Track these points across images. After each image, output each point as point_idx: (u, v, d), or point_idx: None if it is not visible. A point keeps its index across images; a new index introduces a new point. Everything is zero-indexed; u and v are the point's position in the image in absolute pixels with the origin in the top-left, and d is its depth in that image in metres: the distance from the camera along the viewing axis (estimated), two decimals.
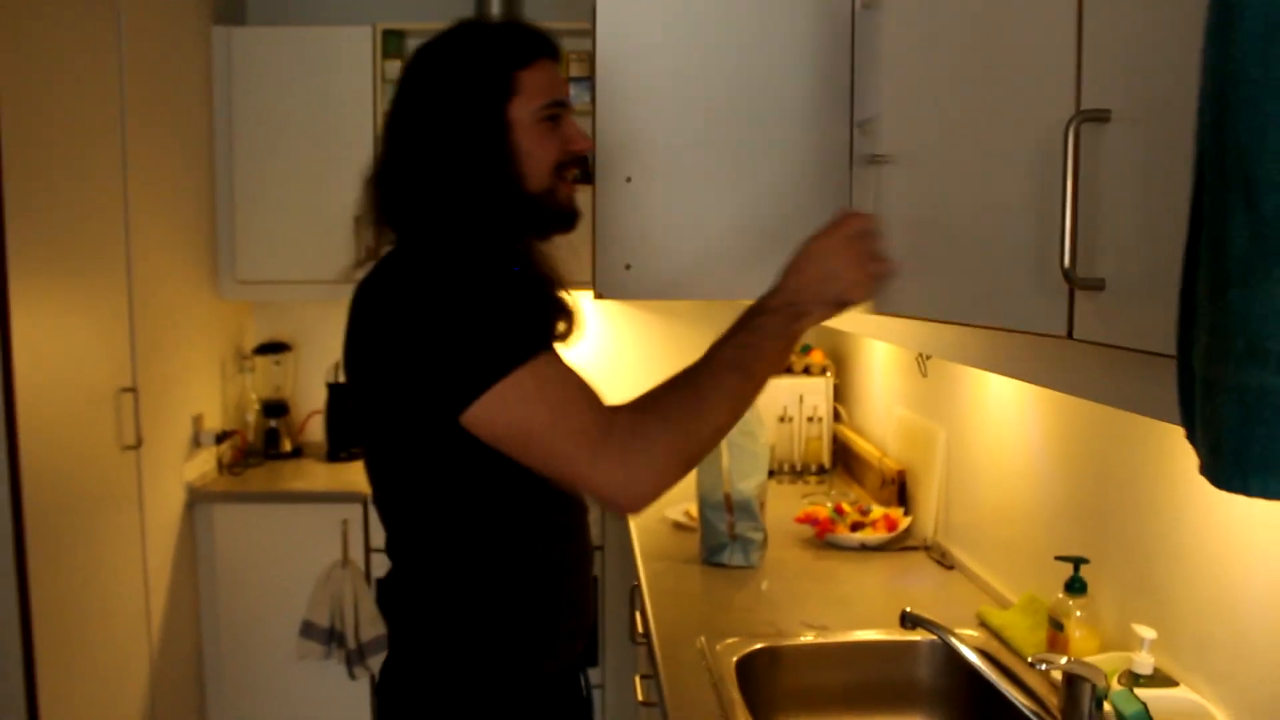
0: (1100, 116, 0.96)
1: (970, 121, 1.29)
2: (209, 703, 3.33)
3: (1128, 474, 1.67)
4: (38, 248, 2.39)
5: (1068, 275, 0.99)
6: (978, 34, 1.27)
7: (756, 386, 1.36)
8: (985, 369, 1.37)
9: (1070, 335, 1.05)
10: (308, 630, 3.21)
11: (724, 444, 2.31)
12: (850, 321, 1.94)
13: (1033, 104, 1.11)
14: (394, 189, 1.42)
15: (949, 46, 1.35)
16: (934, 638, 1.75)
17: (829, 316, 1.39)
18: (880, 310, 1.51)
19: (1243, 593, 1.40)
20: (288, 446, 3.69)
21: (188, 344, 3.28)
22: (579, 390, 1.30)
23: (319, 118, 3.45)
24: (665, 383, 1.34)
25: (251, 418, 3.67)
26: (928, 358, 2.48)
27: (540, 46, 1.42)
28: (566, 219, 1.46)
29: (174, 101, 3.17)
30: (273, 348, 3.75)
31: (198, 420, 3.32)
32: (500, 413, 1.25)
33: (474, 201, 1.37)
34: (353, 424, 1.47)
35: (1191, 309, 0.76)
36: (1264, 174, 0.67)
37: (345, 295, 3.64)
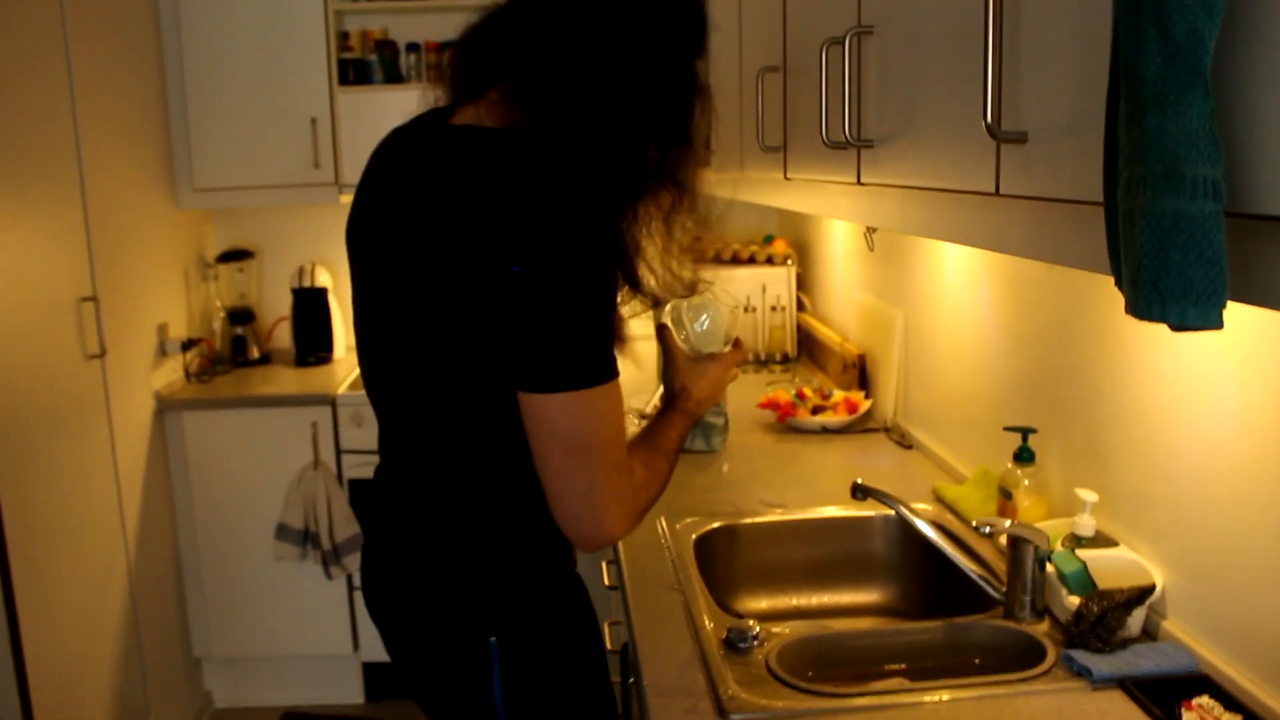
0: None
1: None
2: (190, 605, 3.38)
3: (1073, 343, 1.69)
4: None
5: (991, 130, 1.00)
6: None
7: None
8: (923, 235, 1.38)
9: (997, 191, 1.06)
10: (283, 533, 3.25)
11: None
12: (796, 199, 1.94)
13: None
14: (545, 68, 1.25)
15: None
16: (889, 512, 1.79)
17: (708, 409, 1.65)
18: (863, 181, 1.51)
19: (1176, 452, 1.43)
20: (255, 353, 3.69)
21: (148, 253, 3.25)
22: (624, 426, 1.29)
23: (269, 19, 3.37)
24: (644, 449, 1.40)
25: (218, 326, 3.66)
26: (873, 232, 2.50)
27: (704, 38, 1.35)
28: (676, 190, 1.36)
29: (117, 5, 3.09)
30: (235, 255, 3.72)
31: (163, 329, 3.31)
32: (570, 411, 1.20)
33: (638, 133, 1.27)
34: (377, 310, 1.34)
35: (1114, 148, 0.76)
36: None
37: (304, 201, 3.59)
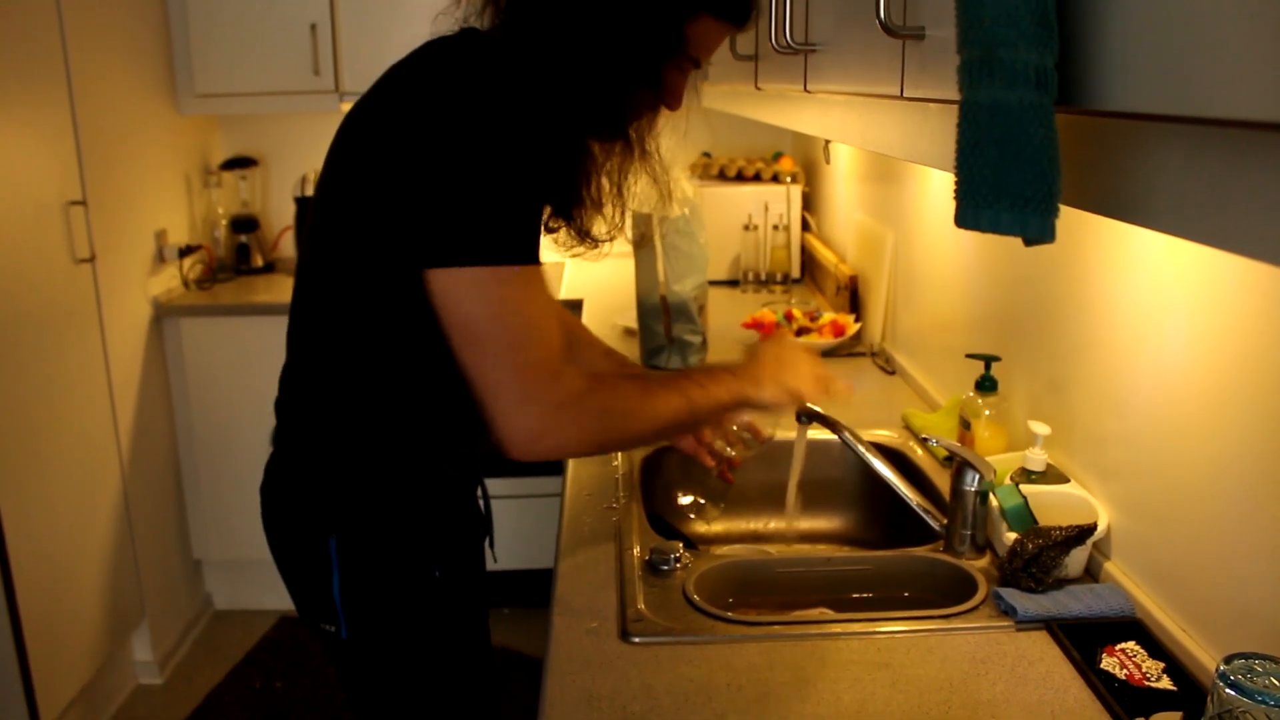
0: None
1: None
2: (189, 509, 3.41)
3: (1042, 273, 1.60)
4: None
5: (886, 25, 0.92)
6: None
7: (688, 426, 1.41)
8: (858, 145, 1.29)
9: (901, 94, 0.98)
10: None
11: (660, 246, 2.25)
12: (766, 110, 1.85)
13: None
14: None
15: None
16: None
17: (779, 401, 1.44)
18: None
19: (1129, 389, 1.35)
20: (259, 262, 3.67)
21: (145, 158, 3.21)
22: (549, 326, 1.20)
23: None
24: (625, 375, 1.32)
25: (221, 234, 3.63)
26: (828, 144, 2.42)
27: (740, 12, 1.26)
28: (615, 137, 1.32)
29: None
30: (239, 163, 3.69)
31: (161, 235, 3.29)
32: (471, 293, 1.15)
33: (592, 68, 1.20)
34: (321, 204, 1.30)
35: None
36: None
37: (304, 109, 3.51)
